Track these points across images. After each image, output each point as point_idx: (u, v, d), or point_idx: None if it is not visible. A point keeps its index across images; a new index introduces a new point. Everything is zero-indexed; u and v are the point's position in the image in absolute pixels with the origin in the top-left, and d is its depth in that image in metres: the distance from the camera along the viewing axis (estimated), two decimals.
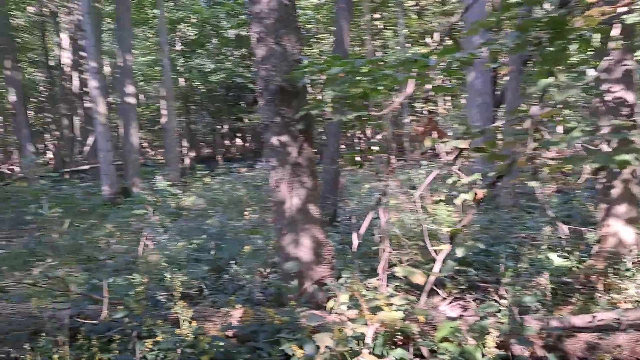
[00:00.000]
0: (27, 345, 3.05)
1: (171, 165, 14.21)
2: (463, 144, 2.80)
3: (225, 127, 24.83)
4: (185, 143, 22.41)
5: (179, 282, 3.36)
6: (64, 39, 19.92)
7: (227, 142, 27.59)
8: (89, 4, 10.40)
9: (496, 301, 3.51)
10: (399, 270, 2.88)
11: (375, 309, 2.88)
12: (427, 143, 2.98)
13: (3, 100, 23.10)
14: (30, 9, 21.21)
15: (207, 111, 25.56)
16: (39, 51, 22.96)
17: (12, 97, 17.05)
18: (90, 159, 17.29)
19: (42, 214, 7.30)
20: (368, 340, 2.65)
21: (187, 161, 20.90)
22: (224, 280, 4.85)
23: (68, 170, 15.86)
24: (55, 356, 2.93)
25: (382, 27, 20.74)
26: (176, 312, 3.15)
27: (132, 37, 12.50)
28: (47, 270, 4.89)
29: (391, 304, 2.97)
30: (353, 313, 2.90)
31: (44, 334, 3.17)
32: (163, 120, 18.56)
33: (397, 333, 2.99)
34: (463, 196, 3.04)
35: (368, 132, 18.91)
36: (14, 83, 16.50)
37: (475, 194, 3.05)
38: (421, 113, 19.04)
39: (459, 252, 3.14)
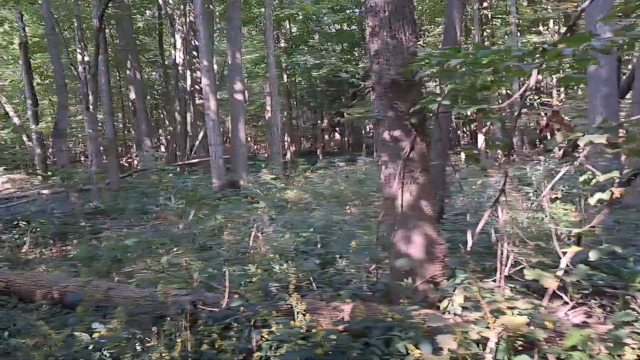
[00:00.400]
0: (153, 328, 3.29)
1: (275, 160, 14.69)
2: (601, 139, 2.55)
3: (325, 121, 25.17)
4: (286, 138, 23.05)
5: (292, 274, 3.42)
6: (178, 39, 21.32)
7: (326, 137, 27.93)
8: (202, 6, 11.01)
9: (633, 309, 3.17)
10: (527, 273, 2.69)
11: (497, 312, 2.73)
12: (559, 137, 2.75)
13: (124, 98, 25.30)
14: (149, 12, 22.97)
15: (307, 106, 26.11)
16: (155, 52, 24.80)
17: (132, 94, 18.60)
18: (199, 154, 18.38)
19: (166, 205, 7.82)
20: (492, 344, 2.52)
21: (288, 155, 21.48)
22: (330, 274, 4.89)
23: (180, 163, 16.97)
24: (178, 340, 3.12)
25: (490, 16, 19.79)
26: (290, 304, 3.22)
27: (241, 36, 13.04)
28: (171, 259, 5.23)
29: (514, 308, 2.80)
30: (473, 315, 2.78)
31: (168, 318, 3.38)
32: (267, 115, 19.23)
33: (520, 338, 2.82)
34: (598, 195, 2.77)
35: (473, 126, 18.18)
36: (134, 82, 17.99)
37: (612, 193, 2.77)
38: (534, 105, 17.90)
39: (592, 256, 2.88)
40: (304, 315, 3.08)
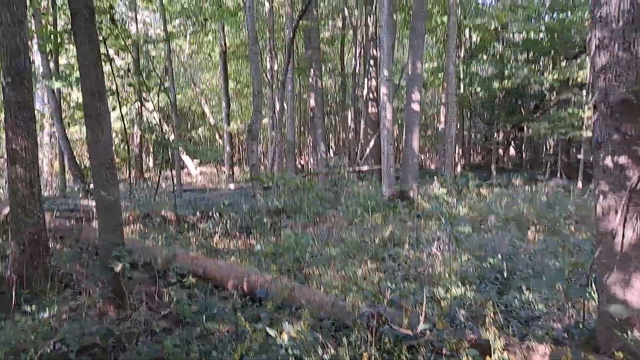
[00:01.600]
0: (336, 336, 3.31)
1: (446, 172, 14.24)
2: None
3: (501, 135, 23.73)
4: (457, 150, 22.25)
5: (490, 306, 3.17)
6: (357, 49, 22.00)
7: (500, 151, 26.35)
8: (389, 16, 11.13)
9: None
10: None
11: None
12: None
13: (304, 104, 26.90)
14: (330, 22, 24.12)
15: (481, 118, 24.89)
16: (335, 61, 25.93)
17: (312, 101, 19.63)
18: (368, 161, 18.68)
19: (337, 209, 8.01)
20: None
21: (458, 168, 20.71)
22: (515, 306, 4.48)
23: (351, 170, 17.41)
24: (365, 354, 3.08)
25: None
26: (485, 337, 2.99)
27: (424, 45, 12.90)
28: (350, 267, 5.29)
29: None
30: None
31: (355, 330, 3.38)
32: (440, 126, 18.79)
33: None
34: None
35: None
36: (315, 89, 18.98)
37: None
38: None
39: None
40: (501, 352, 2.82)
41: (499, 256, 5.45)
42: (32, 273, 5.06)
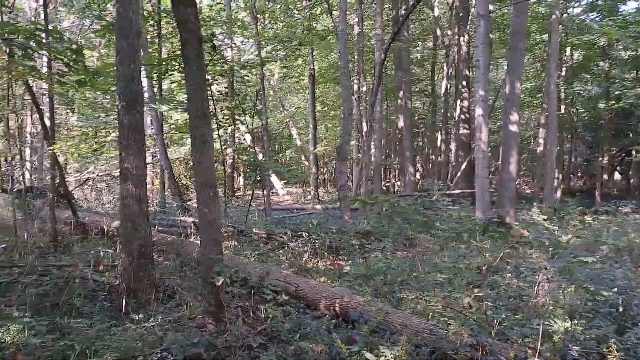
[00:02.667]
0: None
1: (546, 197, 13.41)
2: None
3: (605, 158, 22.05)
4: (556, 174, 20.97)
5: (608, 344, 2.87)
6: (448, 69, 21.60)
7: (605, 176, 24.50)
8: (485, 35, 10.82)
9: None
10: None
11: None
12: None
13: (391, 125, 26.73)
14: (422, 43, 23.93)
15: (582, 140, 23.33)
16: (424, 81, 25.63)
17: (401, 122, 19.47)
18: (459, 184, 18.08)
19: (428, 232, 7.75)
20: None
21: (558, 193, 19.48)
22: (632, 343, 4.03)
23: (442, 193, 16.94)
24: None
25: None
26: None
27: (524, 65, 12.38)
28: (450, 294, 5.07)
29: None
30: None
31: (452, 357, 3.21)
32: (539, 149, 17.83)
33: None
34: None
35: None
36: (404, 111, 18.82)
37: None
38: None
39: None
40: None
41: (614, 289, 4.97)
42: (138, 284, 5.36)
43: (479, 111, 11.28)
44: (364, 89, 19.49)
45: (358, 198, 12.08)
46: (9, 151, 16.06)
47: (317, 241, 8.86)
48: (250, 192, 14.60)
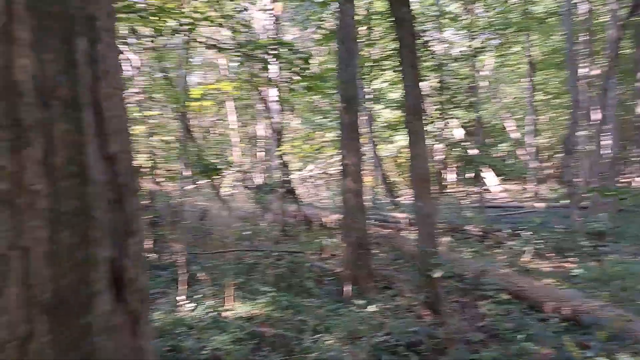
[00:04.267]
0: None
1: None
2: None
3: None
4: None
5: None
6: None
7: None
8: None
9: None
10: None
11: None
12: None
13: (630, 113, 23.12)
14: None
15: None
16: None
17: (639, 108, 16.75)
18: None
19: None
20: None
21: None
22: None
23: None
24: None
25: None
26: None
27: None
28: None
29: None
30: None
31: None
32: None
33: None
34: None
35: None
36: None
37: None
38: None
39: None
40: None
41: None
42: (358, 272, 5.72)
43: None
44: (595, 72, 17.25)
45: (595, 189, 10.79)
46: (250, 153, 18.63)
47: (539, 241, 8.24)
48: (463, 189, 14.25)
